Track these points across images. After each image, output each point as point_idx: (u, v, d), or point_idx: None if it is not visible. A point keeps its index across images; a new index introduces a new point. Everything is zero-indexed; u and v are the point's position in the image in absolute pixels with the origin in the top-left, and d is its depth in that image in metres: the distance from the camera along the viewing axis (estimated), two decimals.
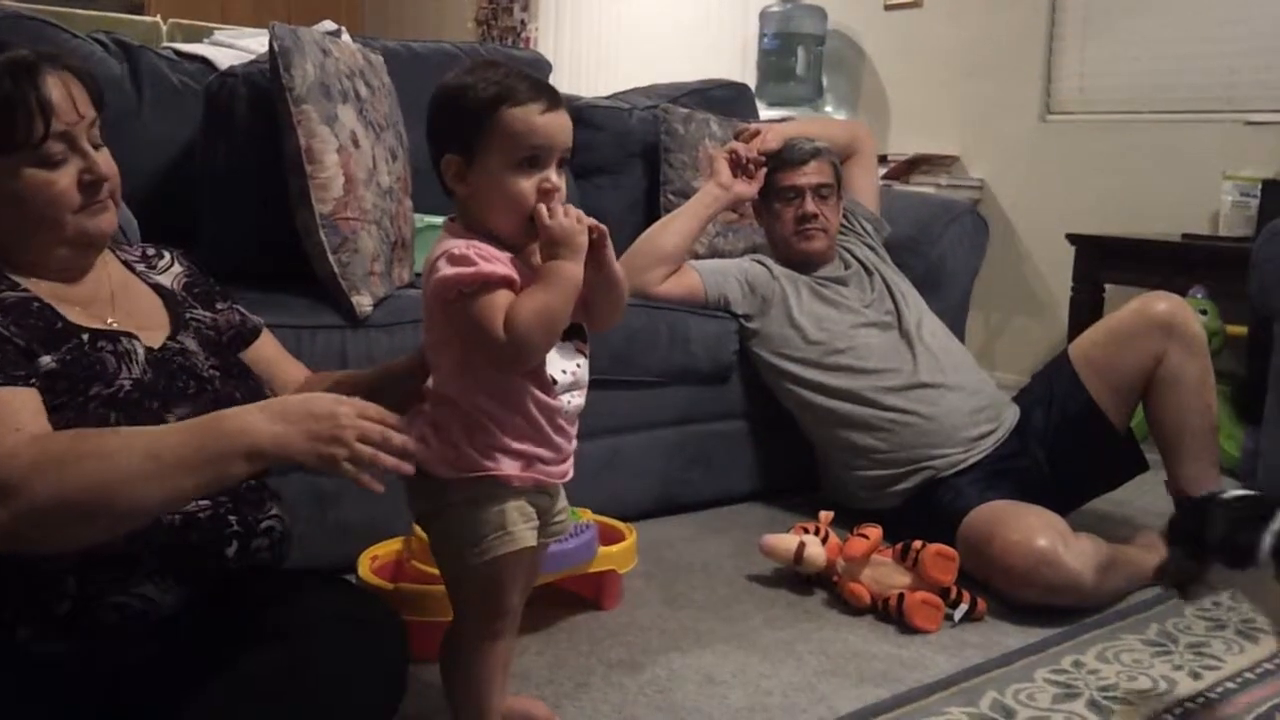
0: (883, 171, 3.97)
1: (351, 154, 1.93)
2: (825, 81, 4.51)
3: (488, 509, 1.26)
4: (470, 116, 1.22)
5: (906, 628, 1.82)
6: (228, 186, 2.08)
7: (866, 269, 2.43)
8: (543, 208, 1.22)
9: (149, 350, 1.26)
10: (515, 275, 1.21)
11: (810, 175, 2.39)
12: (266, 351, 1.47)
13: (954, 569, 1.88)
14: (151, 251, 1.44)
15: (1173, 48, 3.60)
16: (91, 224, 1.24)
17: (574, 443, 1.34)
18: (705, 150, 2.85)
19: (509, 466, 1.25)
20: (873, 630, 1.83)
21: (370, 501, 1.88)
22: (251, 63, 2.13)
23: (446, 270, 1.19)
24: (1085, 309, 3.19)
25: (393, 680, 1.24)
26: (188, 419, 1.16)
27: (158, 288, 1.38)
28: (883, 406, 2.19)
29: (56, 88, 1.19)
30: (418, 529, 1.75)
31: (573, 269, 1.21)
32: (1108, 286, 3.31)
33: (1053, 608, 1.87)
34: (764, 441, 2.48)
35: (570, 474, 1.33)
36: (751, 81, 4.25)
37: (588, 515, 1.87)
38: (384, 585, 1.68)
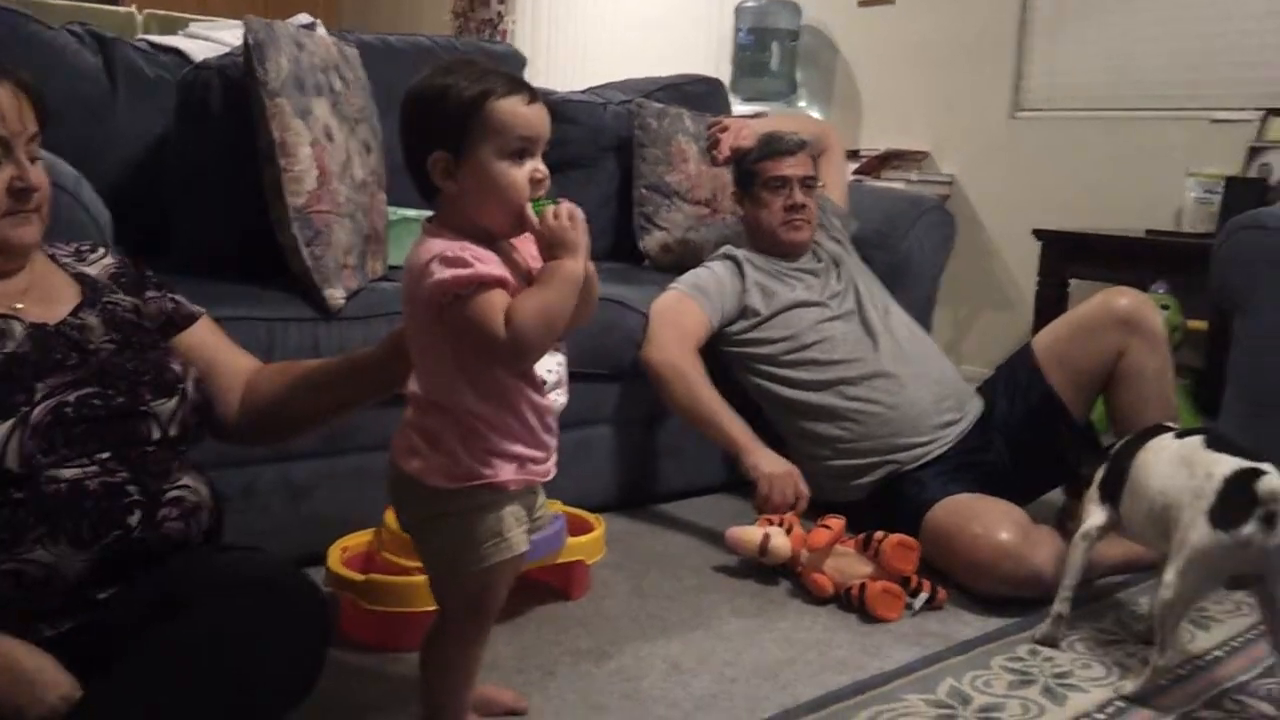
0: (854, 167, 4.01)
1: (325, 147, 1.94)
2: (799, 77, 4.55)
3: (485, 517, 1.28)
4: (457, 113, 1.23)
5: (868, 617, 1.86)
6: (201, 179, 2.08)
7: (835, 262, 2.46)
8: (531, 214, 1.24)
9: (35, 326, 1.27)
10: (508, 275, 1.23)
11: (797, 167, 2.42)
12: (204, 338, 1.47)
13: (914, 559, 1.92)
14: (86, 248, 1.46)
15: (1139, 46, 3.65)
16: (14, 233, 1.27)
17: (556, 441, 1.36)
18: (679, 145, 2.88)
19: (506, 472, 1.27)
20: (835, 620, 1.86)
21: (343, 493, 1.94)
22: (226, 55, 2.14)
23: (442, 273, 1.19)
24: (1050, 303, 3.24)
25: (310, 652, 1.26)
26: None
27: (80, 276, 1.40)
28: (847, 396, 2.23)
29: (6, 97, 1.23)
30: (388, 520, 1.77)
31: (572, 266, 1.23)
32: (1072, 281, 3.36)
33: (1014, 599, 1.92)
34: None
35: (554, 472, 1.36)
36: (726, 76, 4.28)
37: (557, 507, 1.89)
38: (354, 577, 1.70)
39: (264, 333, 1.83)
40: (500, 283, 1.21)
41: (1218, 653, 1.78)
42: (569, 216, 1.24)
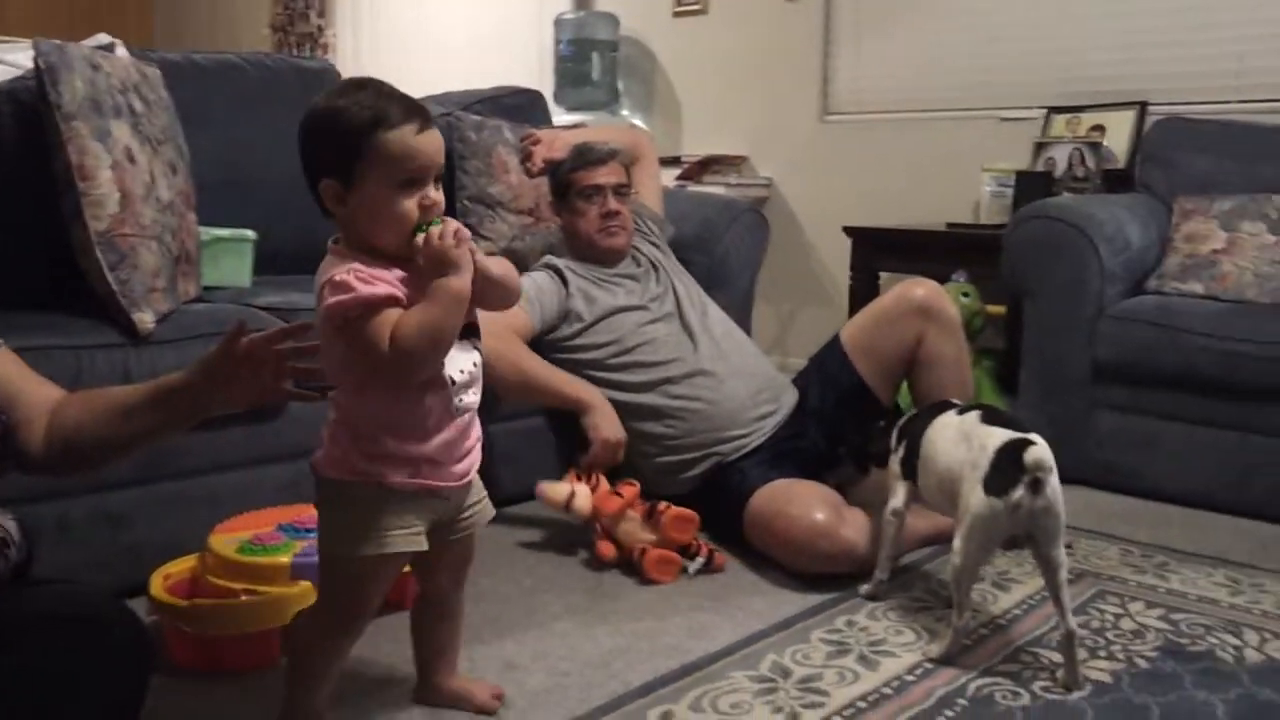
0: (676, 172, 4.13)
1: (127, 170, 1.91)
2: (621, 86, 4.64)
3: (368, 512, 1.32)
4: (346, 141, 1.25)
5: (647, 580, 2.03)
6: None
7: (654, 266, 2.54)
8: (417, 239, 1.27)
9: None
10: (399, 292, 1.26)
11: (609, 175, 2.49)
12: (3, 370, 1.41)
13: (692, 529, 2.09)
14: None
15: (934, 51, 3.88)
16: None
17: (473, 441, 1.40)
18: (500, 156, 2.92)
19: (393, 474, 1.32)
20: (666, 608, 1.93)
21: (164, 520, 1.90)
22: (18, 79, 2.07)
23: (330, 299, 1.25)
24: (862, 296, 3.39)
25: (131, 684, 1.24)
26: None
27: None
28: (670, 395, 2.31)
29: None
30: (212, 544, 1.76)
31: (457, 284, 1.26)
32: (882, 274, 3.54)
33: (831, 575, 2.02)
34: (566, 435, 2.56)
35: (470, 476, 1.40)
36: (549, 88, 4.33)
37: None
38: (177, 603, 1.67)
39: (71, 360, 1.78)
40: (389, 301, 1.25)
41: (1016, 612, 1.93)
42: (454, 235, 1.27)
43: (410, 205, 1.27)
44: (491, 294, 1.38)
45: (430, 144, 1.28)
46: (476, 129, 2.95)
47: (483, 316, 2.30)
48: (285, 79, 2.77)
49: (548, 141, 2.57)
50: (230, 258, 2.29)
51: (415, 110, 1.28)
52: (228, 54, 2.79)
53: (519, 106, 3.25)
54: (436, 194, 1.29)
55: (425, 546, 1.37)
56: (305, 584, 1.69)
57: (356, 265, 1.26)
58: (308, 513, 1.89)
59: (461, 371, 1.34)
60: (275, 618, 1.66)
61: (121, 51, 2.30)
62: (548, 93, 3.76)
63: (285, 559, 1.70)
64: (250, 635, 1.65)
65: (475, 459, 1.42)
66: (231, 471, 2.01)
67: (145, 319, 1.86)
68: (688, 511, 2.09)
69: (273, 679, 1.63)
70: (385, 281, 1.26)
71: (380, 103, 1.27)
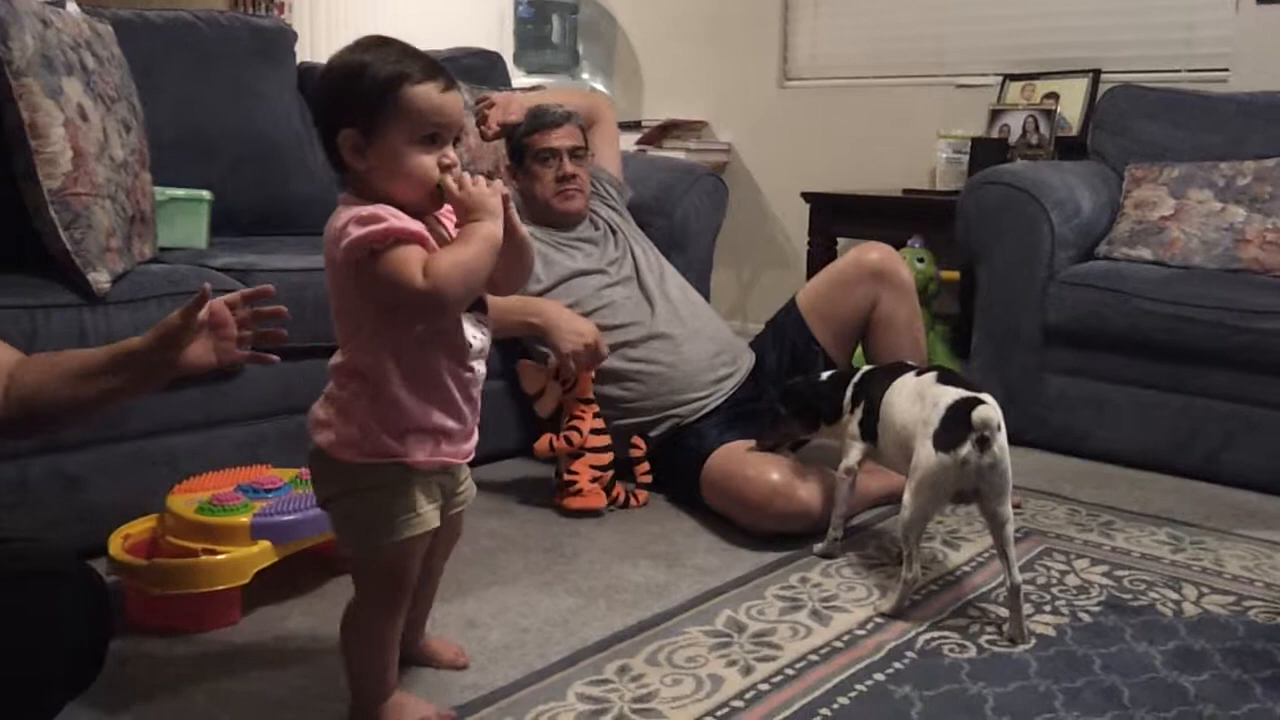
0: (637, 137, 4.13)
1: (80, 127, 1.88)
2: (581, 50, 4.62)
3: (396, 493, 1.30)
4: (371, 93, 1.25)
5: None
6: None
7: (612, 229, 2.55)
8: (450, 180, 1.26)
9: None
10: (425, 234, 1.25)
11: (564, 138, 2.48)
12: None
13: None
14: None
15: (892, 18, 3.91)
16: None
17: (477, 417, 1.38)
18: None
19: (417, 451, 1.30)
20: (623, 568, 1.96)
21: (122, 481, 1.90)
22: None
23: (356, 231, 1.21)
24: (820, 261, 3.43)
25: (93, 641, 1.26)
26: None
27: None
28: (629, 358, 2.33)
29: None
30: (171, 504, 1.76)
31: (491, 228, 1.25)
32: (840, 240, 3.58)
33: (786, 534, 2.06)
34: (523, 399, 2.57)
35: (473, 453, 1.39)
36: (509, 50, 4.31)
37: None
38: (137, 562, 1.68)
39: (26, 321, 1.77)
40: (417, 238, 1.23)
41: (965, 569, 1.98)
42: (486, 184, 1.28)
43: (430, 161, 1.27)
44: (514, 261, 1.35)
45: (453, 103, 1.29)
46: None
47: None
48: (240, 37, 2.73)
49: (503, 104, 2.57)
50: (186, 218, 2.27)
51: (439, 69, 1.29)
52: (181, 11, 2.74)
53: (477, 69, 3.23)
54: (454, 154, 1.30)
55: (439, 522, 1.37)
56: (265, 544, 1.70)
57: (381, 205, 1.25)
58: (267, 474, 1.90)
59: (474, 338, 1.33)
60: (235, 577, 1.67)
61: (72, 7, 2.25)
62: (507, 55, 3.75)
63: (245, 519, 1.71)
64: (210, 595, 1.66)
65: (476, 437, 1.41)
66: (190, 433, 2.00)
67: (101, 279, 1.85)
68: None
69: (233, 638, 1.66)
70: (412, 222, 1.25)
71: (406, 59, 1.27)
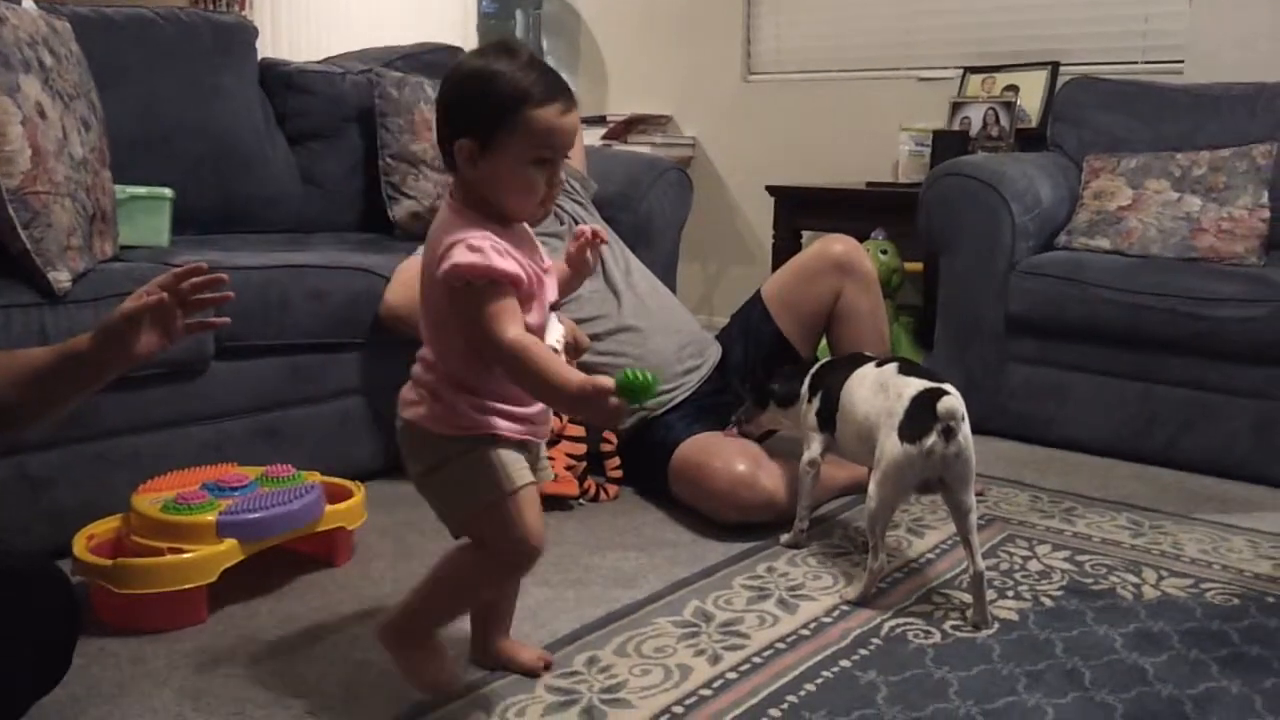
0: (602, 131, 4.13)
1: (38, 125, 1.86)
2: (545, 44, 4.62)
3: (490, 453, 1.34)
4: (495, 108, 1.27)
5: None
6: None
7: (577, 223, 2.56)
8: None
9: None
10: (523, 274, 1.28)
11: None
12: None
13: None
14: None
15: (853, 11, 3.94)
16: None
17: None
18: (422, 113, 2.90)
19: (505, 427, 1.35)
20: (592, 561, 1.97)
21: (86, 482, 1.89)
22: None
23: (460, 258, 1.24)
24: (785, 254, 3.46)
25: (59, 642, 1.26)
26: None
27: None
28: (596, 352, 2.31)
29: None
30: (136, 503, 1.75)
31: (573, 389, 1.23)
32: (805, 232, 3.60)
33: (753, 525, 2.08)
34: None
35: (549, 433, 1.44)
36: (473, 45, 4.30)
37: (315, 477, 1.92)
38: (102, 562, 1.67)
39: None
40: (514, 281, 1.27)
41: (929, 556, 2.00)
42: (593, 235, 1.48)
43: (540, 181, 1.30)
44: (576, 282, 1.51)
45: (571, 125, 1.31)
46: (398, 86, 2.93)
47: (400, 276, 2.31)
48: (201, 34, 2.71)
49: None
50: (147, 216, 2.25)
51: (563, 89, 1.31)
52: (141, 8, 2.72)
53: (440, 64, 3.22)
54: (563, 174, 1.35)
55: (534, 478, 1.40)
56: (231, 542, 1.69)
57: (490, 235, 1.28)
58: (232, 472, 1.89)
59: (557, 341, 1.39)
60: (201, 575, 1.67)
61: (29, 4, 2.23)
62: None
63: (210, 517, 1.70)
64: (177, 594, 1.65)
65: (553, 418, 1.46)
66: (154, 432, 1.99)
67: (61, 278, 1.83)
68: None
69: (200, 637, 1.65)
70: (515, 258, 1.28)
71: (533, 76, 1.29)
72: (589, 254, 1.49)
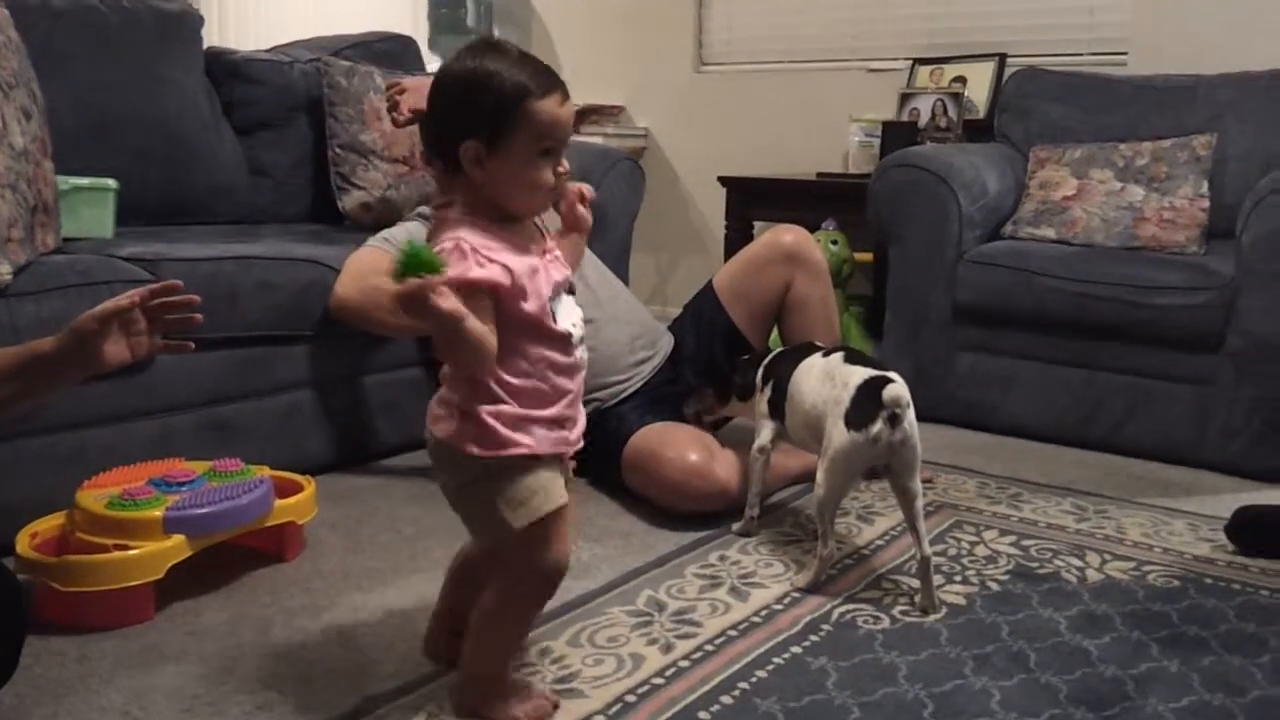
0: None
1: None
2: (497, 34, 4.59)
3: (525, 475, 1.31)
4: (498, 106, 1.25)
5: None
6: None
7: None
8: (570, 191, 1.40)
9: None
10: (504, 280, 1.24)
11: None
12: None
13: None
14: None
15: (805, 2, 3.96)
16: None
17: (580, 406, 1.39)
18: (372, 103, 2.87)
19: (534, 441, 1.31)
20: None
21: (29, 479, 1.86)
22: None
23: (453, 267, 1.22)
24: (738, 245, 3.45)
25: (6, 641, 1.25)
26: None
27: None
28: None
29: None
30: (80, 500, 1.72)
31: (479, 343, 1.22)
32: (756, 223, 3.62)
33: (705, 514, 2.09)
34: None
35: (580, 441, 1.39)
36: (423, 34, 4.27)
37: (264, 471, 1.90)
38: (46, 560, 1.64)
39: None
40: (484, 286, 1.23)
41: (878, 543, 2.03)
42: (581, 194, 1.43)
43: (549, 173, 1.30)
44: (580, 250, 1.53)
45: (569, 115, 1.31)
46: (347, 75, 2.90)
47: (351, 268, 2.28)
48: (145, 21, 2.67)
49: (414, 89, 2.54)
50: (91, 208, 2.22)
51: (557, 80, 1.30)
52: None
53: (390, 53, 3.20)
54: (566, 163, 1.33)
55: (567, 498, 1.37)
56: (178, 538, 1.68)
57: (489, 240, 1.25)
58: (180, 467, 1.87)
59: (574, 325, 1.35)
60: (148, 572, 1.65)
61: None
62: (421, 40, 3.72)
63: (157, 513, 1.68)
64: (123, 591, 1.63)
65: (583, 423, 1.41)
66: (100, 427, 1.96)
67: (2, 270, 1.80)
68: None
69: (148, 634, 1.63)
70: (499, 261, 1.25)
71: (528, 70, 1.27)
72: (581, 209, 1.45)
